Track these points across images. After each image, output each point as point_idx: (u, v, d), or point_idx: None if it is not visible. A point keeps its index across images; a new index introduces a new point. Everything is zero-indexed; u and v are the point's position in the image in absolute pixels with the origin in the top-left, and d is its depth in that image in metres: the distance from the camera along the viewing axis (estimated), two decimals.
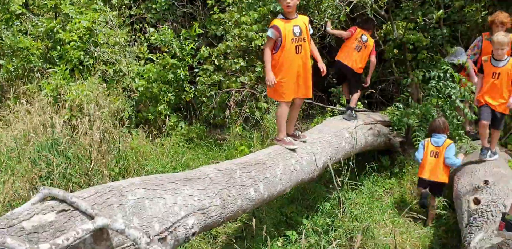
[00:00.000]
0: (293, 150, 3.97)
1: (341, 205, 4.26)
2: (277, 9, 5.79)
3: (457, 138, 5.37)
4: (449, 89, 5.38)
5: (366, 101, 7.21)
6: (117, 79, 6.54)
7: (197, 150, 5.97)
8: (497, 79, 4.59)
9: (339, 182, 4.03)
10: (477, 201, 2.49)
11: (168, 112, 6.51)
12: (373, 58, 5.46)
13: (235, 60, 5.91)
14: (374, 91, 6.75)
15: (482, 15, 5.96)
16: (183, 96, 6.56)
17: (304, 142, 4.16)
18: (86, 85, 5.92)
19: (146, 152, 5.42)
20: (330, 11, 5.49)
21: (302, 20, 3.96)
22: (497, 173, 4.19)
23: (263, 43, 5.71)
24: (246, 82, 5.91)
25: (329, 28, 5.62)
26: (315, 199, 4.75)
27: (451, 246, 4.14)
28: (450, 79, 5.38)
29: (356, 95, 5.44)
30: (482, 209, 2.39)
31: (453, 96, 5.35)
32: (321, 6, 5.54)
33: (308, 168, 4.02)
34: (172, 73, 6.31)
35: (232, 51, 5.96)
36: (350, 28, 5.53)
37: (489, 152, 4.67)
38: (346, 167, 4.23)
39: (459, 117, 5.42)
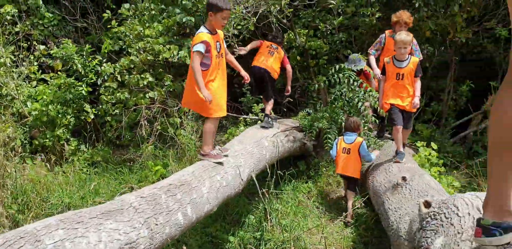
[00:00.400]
0: (221, 164, 3.82)
1: (268, 217, 4.19)
2: (184, 20, 5.61)
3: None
4: (352, 93, 5.60)
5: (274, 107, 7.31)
6: (5, 105, 5.84)
7: (106, 175, 5.51)
8: (401, 80, 4.59)
9: (265, 193, 3.96)
10: (427, 204, 2.48)
11: (68, 136, 5.96)
12: (289, 67, 5.67)
13: (142, 76, 5.58)
14: (292, 100, 6.86)
15: (375, 18, 6.28)
16: (83, 118, 6.06)
17: (226, 156, 4.02)
18: None
19: (47, 182, 4.89)
20: (238, 22, 5.46)
21: (221, 35, 3.90)
22: (410, 168, 4.40)
23: (171, 55, 5.48)
24: (155, 98, 5.60)
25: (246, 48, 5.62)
26: (239, 213, 4.63)
27: (372, 243, 4.28)
28: (352, 84, 5.58)
29: (270, 102, 5.51)
30: (434, 211, 2.38)
31: (355, 100, 5.57)
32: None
33: (234, 183, 3.89)
34: (71, 93, 5.78)
35: (136, 66, 5.62)
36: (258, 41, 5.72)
37: (404, 155, 4.68)
38: (269, 177, 4.19)
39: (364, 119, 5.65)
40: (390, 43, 5.36)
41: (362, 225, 4.53)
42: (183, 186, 3.30)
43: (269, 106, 5.49)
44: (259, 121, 5.82)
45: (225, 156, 4.00)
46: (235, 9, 5.70)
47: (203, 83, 3.62)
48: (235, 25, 5.56)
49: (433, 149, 5.42)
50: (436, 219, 2.32)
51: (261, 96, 5.93)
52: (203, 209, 3.41)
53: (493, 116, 1.58)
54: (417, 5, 6.32)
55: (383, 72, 4.80)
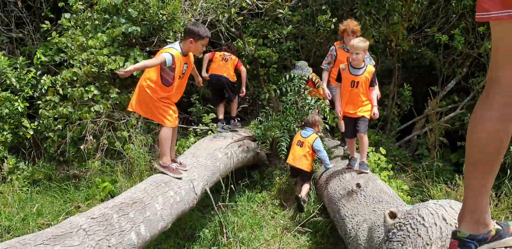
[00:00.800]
0: (180, 179, 3.74)
1: (224, 230, 4.10)
2: (129, 30, 5.41)
3: None
4: (302, 101, 5.63)
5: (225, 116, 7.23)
6: None
7: (49, 193, 5.17)
8: (356, 88, 4.46)
9: (221, 206, 3.86)
10: (392, 215, 2.46)
11: (5, 154, 5.56)
12: (243, 68, 5.84)
13: (86, 89, 5.30)
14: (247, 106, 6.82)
15: (331, 23, 6.37)
16: (21, 133, 5.68)
17: (185, 170, 3.92)
18: None
19: None
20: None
21: (191, 57, 3.92)
22: (363, 175, 4.45)
23: (117, 67, 5.26)
24: (101, 111, 5.34)
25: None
26: (192, 227, 4.49)
27: None
28: (303, 92, 5.62)
29: (235, 102, 5.74)
30: (399, 222, 2.35)
31: (306, 108, 5.61)
32: (173, 26, 5.35)
33: (188, 198, 3.77)
34: (7, 108, 5.39)
35: (79, 78, 5.34)
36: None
37: (356, 161, 4.63)
38: (223, 189, 4.10)
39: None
40: (341, 55, 5.31)
41: (318, 232, 4.53)
42: (135, 204, 3.15)
43: (234, 107, 5.81)
44: (210, 132, 5.73)
45: (184, 171, 3.92)
46: (183, 17, 5.60)
47: (140, 67, 3.59)
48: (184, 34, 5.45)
49: (381, 154, 5.55)
50: (402, 230, 2.30)
51: (213, 105, 6.09)
52: (157, 226, 3.27)
53: (469, 128, 1.53)
54: (358, 14, 6.51)
55: (339, 79, 4.68)
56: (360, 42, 4.35)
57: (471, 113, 5.01)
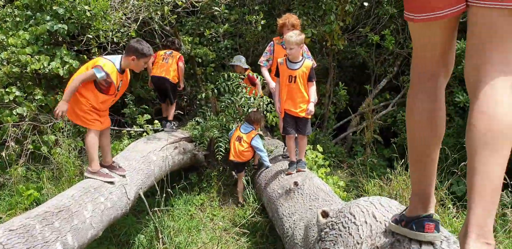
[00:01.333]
0: (112, 183, 3.58)
1: (160, 235, 3.97)
2: (55, 28, 5.09)
3: None
4: (241, 100, 5.59)
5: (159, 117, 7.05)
6: None
7: None
8: (294, 83, 4.26)
9: (156, 211, 3.73)
10: (325, 214, 2.44)
11: None
12: (181, 64, 5.78)
13: (7, 90, 4.92)
14: (182, 112, 6.70)
15: (260, 25, 6.35)
16: None
17: (124, 176, 3.74)
18: None
19: None
20: (117, 29, 5.14)
21: (127, 74, 3.81)
22: (300, 173, 4.48)
23: (41, 67, 4.94)
24: (25, 114, 4.99)
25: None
26: (127, 233, 4.32)
27: None
28: (241, 91, 5.57)
29: (173, 106, 5.75)
30: (332, 221, 2.34)
31: (246, 107, 5.57)
32: (101, 25, 5.11)
33: (120, 203, 3.60)
34: None
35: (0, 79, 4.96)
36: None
37: (297, 164, 4.47)
38: (159, 192, 3.97)
39: None
40: (279, 51, 5.10)
41: (258, 233, 4.51)
42: (61, 212, 2.96)
43: (172, 111, 5.76)
44: (144, 134, 5.55)
45: (122, 176, 3.75)
46: (113, 15, 5.37)
47: (69, 97, 3.43)
48: (114, 32, 5.22)
49: (319, 151, 5.63)
50: (335, 229, 2.29)
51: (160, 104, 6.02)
52: (87, 235, 3.09)
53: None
54: (297, 13, 6.57)
55: (277, 74, 4.45)
56: (293, 36, 4.15)
57: (402, 111, 5.25)
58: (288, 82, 4.30)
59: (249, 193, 4.96)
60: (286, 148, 5.00)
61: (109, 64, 3.50)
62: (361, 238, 2.11)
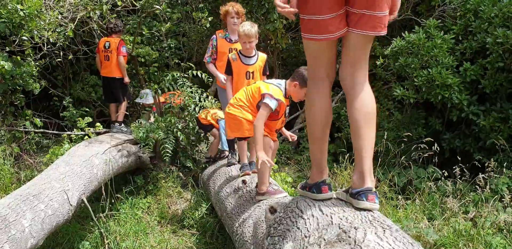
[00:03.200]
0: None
1: (106, 241, 3.86)
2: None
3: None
4: (187, 99, 5.51)
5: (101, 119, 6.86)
6: None
7: None
8: (253, 80, 3.99)
9: (102, 216, 3.62)
10: (273, 210, 2.46)
11: None
12: (120, 59, 5.75)
13: None
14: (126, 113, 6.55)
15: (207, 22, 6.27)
16: None
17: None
18: None
19: None
20: (53, 28, 4.91)
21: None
22: None
23: None
24: None
25: None
26: (70, 240, 4.14)
27: None
28: (189, 91, 5.48)
29: (122, 106, 5.73)
30: (280, 216, 2.36)
31: (192, 106, 5.48)
32: (33, 24, 4.86)
33: (62, 210, 3.46)
34: None
35: None
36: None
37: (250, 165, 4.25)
38: (103, 197, 3.85)
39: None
40: (223, 45, 4.73)
41: (207, 233, 4.48)
42: None
43: (121, 111, 5.75)
44: (86, 137, 5.36)
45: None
46: (48, 14, 5.13)
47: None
48: (50, 32, 4.99)
49: None
50: (283, 224, 2.32)
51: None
52: (26, 245, 2.94)
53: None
54: None
55: (229, 71, 4.12)
56: (252, 28, 3.85)
57: (345, 107, 5.52)
58: (247, 79, 4.02)
59: (197, 194, 4.92)
60: (230, 155, 4.76)
61: (277, 91, 3.24)
62: (308, 231, 2.15)
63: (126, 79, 5.80)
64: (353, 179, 2.10)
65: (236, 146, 4.60)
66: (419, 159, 5.14)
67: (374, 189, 2.04)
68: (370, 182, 2.04)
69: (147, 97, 6.06)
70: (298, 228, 2.19)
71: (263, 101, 3.21)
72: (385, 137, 5.40)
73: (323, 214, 2.20)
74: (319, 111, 2.10)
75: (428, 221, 4.14)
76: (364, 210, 2.03)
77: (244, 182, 4.05)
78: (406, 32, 5.87)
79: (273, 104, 3.19)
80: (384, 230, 1.83)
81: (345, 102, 7.80)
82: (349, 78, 2.02)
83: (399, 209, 4.58)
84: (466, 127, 5.99)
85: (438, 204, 4.61)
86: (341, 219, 2.05)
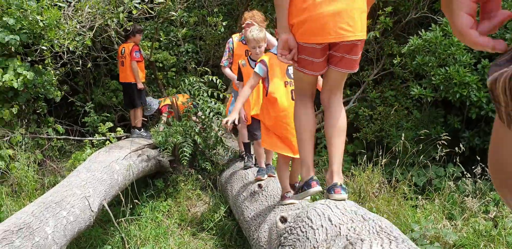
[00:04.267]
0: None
1: (126, 245, 3.97)
2: (6, 39, 4.94)
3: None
4: (204, 104, 5.59)
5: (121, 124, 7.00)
6: None
7: None
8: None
9: (121, 221, 3.73)
10: (283, 219, 2.51)
11: None
12: (133, 64, 5.82)
13: None
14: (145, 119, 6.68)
15: (221, 26, 6.32)
16: None
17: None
18: None
19: None
20: (72, 37, 5.05)
21: None
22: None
23: None
24: None
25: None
26: (93, 245, 4.27)
27: None
28: (202, 94, 5.57)
29: (137, 113, 5.76)
30: (290, 226, 2.40)
31: (207, 111, 5.56)
32: (53, 34, 5.01)
33: (83, 216, 3.57)
34: None
35: None
36: None
37: (267, 169, 4.29)
38: (124, 202, 3.96)
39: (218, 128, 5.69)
40: (239, 48, 4.76)
41: (226, 235, 4.56)
42: (21, 230, 2.92)
43: (137, 117, 5.81)
44: (107, 142, 5.50)
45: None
46: (67, 24, 5.28)
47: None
48: (69, 41, 5.12)
49: None
50: (293, 234, 2.35)
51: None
52: None
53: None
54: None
55: (241, 78, 4.08)
56: (260, 33, 3.77)
57: (364, 106, 5.64)
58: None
59: (216, 197, 4.99)
60: (246, 158, 4.82)
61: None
62: (317, 242, 2.18)
63: (139, 85, 5.86)
64: (326, 178, 2.55)
65: (252, 149, 4.66)
66: (439, 158, 5.09)
67: (340, 183, 2.45)
68: (338, 179, 2.47)
69: (151, 107, 6.18)
70: (308, 239, 2.22)
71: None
72: (404, 136, 5.36)
73: (332, 224, 2.23)
74: (306, 120, 2.61)
75: (448, 221, 4.11)
76: (339, 200, 2.42)
77: (260, 186, 4.09)
78: (422, 30, 5.80)
79: (258, 68, 3.32)
80: (390, 242, 1.85)
81: (362, 101, 7.82)
82: (326, 100, 2.59)
83: (418, 209, 4.56)
84: (486, 124, 5.90)
85: (458, 203, 4.57)
86: (349, 229, 2.07)
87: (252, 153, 4.82)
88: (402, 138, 5.17)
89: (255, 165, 4.70)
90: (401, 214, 4.37)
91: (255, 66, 3.71)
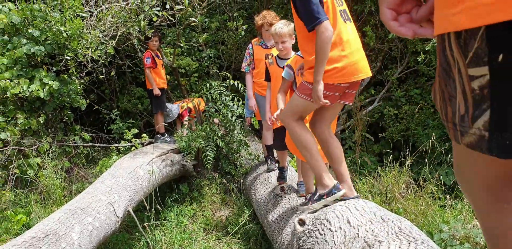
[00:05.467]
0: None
1: None
2: (32, 51, 5.11)
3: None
4: (226, 108, 5.62)
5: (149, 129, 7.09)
6: None
7: None
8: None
9: (146, 226, 3.77)
10: (302, 222, 2.49)
11: None
12: (146, 71, 5.91)
13: None
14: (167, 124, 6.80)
15: (242, 30, 6.34)
16: None
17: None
18: None
19: None
20: (95, 46, 5.18)
21: None
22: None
23: (21, 91, 4.94)
24: (8, 139, 5.00)
25: None
26: None
27: None
28: (225, 99, 5.60)
29: (158, 119, 5.81)
30: (309, 229, 2.38)
31: (230, 115, 5.59)
32: (76, 44, 5.14)
33: (109, 222, 3.63)
34: None
35: None
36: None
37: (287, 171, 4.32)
38: (148, 207, 4.00)
39: (240, 132, 5.71)
40: (259, 52, 4.71)
41: (251, 239, 4.54)
42: (48, 237, 2.99)
43: (157, 123, 5.86)
44: (133, 148, 5.58)
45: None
46: (90, 33, 5.40)
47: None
48: (93, 50, 5.25)
49: None
50: (311, 237, 2.33)
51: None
52: None
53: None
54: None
55: (268, 78, 3.98)
56: (284, 27, 3.52)
57: (389, 106, 5.69)
58: None
59: (240, 200, 4.99)
60: (269, 160, 4.84)
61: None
62: (335, 244, 2.15)
63: (155, 91, 5.90)
64: (345, 188, 2.82)
65: (275, 151, 4.66)
66: None
67: (356, 193, 2.84)
68: (348, 188, 2.84)
69: (172, 113, 6.27)
70: (326, 241, 2.19)
71: None
72: (431, 135, 5.23)
73: (351, 226, 2.19)
74: (307, 137, 2.84)
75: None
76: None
77: (282, 189, 4.08)
78: None
79: (284, 73, 3.32)
80: (409, 243, 1.81)
81: (387, 101, 7.69)
82: (327, 131, 2.94)
83: (447, 209, 4.43)
84: None
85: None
86: (367, 231, 2.04)
87: (275, 155, 4.82)
88: (433, 137, 5.02)
89: (278, 167, 4.68)
90: (429, 214, 4.26)
91: (282, 64, 3.73)
